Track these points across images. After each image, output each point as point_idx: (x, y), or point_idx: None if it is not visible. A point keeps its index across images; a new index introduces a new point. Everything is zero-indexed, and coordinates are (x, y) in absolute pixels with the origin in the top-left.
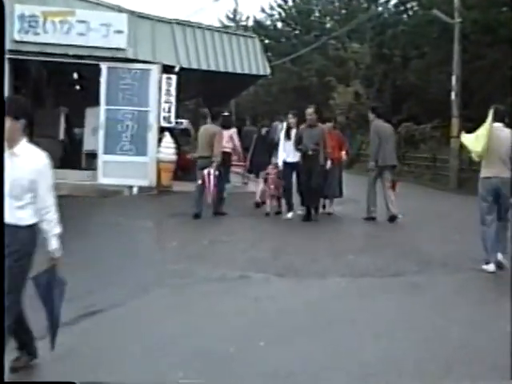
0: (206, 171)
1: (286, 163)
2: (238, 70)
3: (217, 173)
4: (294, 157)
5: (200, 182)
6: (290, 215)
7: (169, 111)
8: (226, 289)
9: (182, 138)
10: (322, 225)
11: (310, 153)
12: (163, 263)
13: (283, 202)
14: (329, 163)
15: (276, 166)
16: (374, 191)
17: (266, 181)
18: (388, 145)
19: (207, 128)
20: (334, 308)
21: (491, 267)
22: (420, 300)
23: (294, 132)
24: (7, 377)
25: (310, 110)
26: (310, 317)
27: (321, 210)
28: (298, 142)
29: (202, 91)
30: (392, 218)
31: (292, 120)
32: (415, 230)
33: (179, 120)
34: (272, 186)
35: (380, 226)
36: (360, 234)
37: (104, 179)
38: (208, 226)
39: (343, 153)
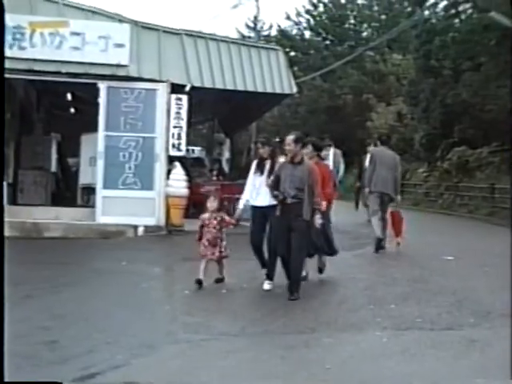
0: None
1: (254, 207)
2: (260, 89)
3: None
4: (265, 199)
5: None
6: (268, 285)
7: (179, 138)
8: (248, 346)
9: (194, 168)
10: (357, 265)
11: (289, 201)
12: (174, 315)
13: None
14: (318, 220)
15: (215, 211)
16: (380, 218)
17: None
18: (383, 172)
19: None
20: (374, 369)
21: None
22: (479, 359)
23: (268, 164)
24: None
25: (289, 139)
26: (347, 380)
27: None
28: (275, 185)
29: (217, 113)
30: (379, 241)
31: (262, 150)
32: (470, 274)
33: (191, 148)
34: (220, 244)
35: (427, 269)
36: (403, 278)
37: (104, 218)
38: (227, 270)
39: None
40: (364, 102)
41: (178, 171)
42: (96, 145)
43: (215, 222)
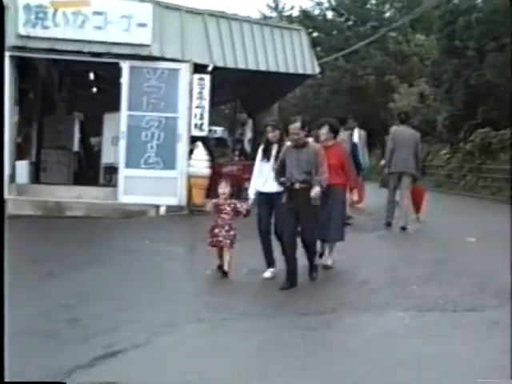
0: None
1: (260, 194)
2: (282, 69)
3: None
4: (272, 185)
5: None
6: (269, 273)
7: (201, 118)
8: (269, 326)
9: (216, 148)
10: (379, 246)
11: (297, 186)
12: (195, 295)
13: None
14: (316, 190)
15: (228, 197)
16: (392, 200)
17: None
18: (403, 152)
19: None
20: (395, 350)
21: None
22: (501, 340)
23: (275, 149)
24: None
25: (294, 126)
26: (368, 360)
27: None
28: (280, 171)
29: (239, 94)
30: (388, 224)
31: (272, 134)
32: (494, 256)
33: (213, 128)
34: (226, 229)
35: (451, 251)
36: (425, 259)
37: (126, 197)
38: (248, 250)
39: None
40: (386, 83)
41: (201, 151)
42: (118, 124)
43: (228, 208)
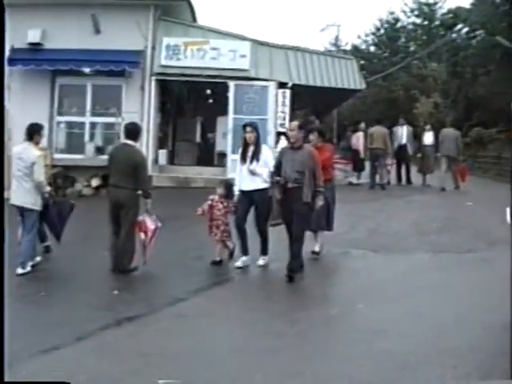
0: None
1: (241, 192)
2: (339, 86)
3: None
4: (250, 184)
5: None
6: (240, 263)
7: (283, 119)
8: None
9: None
10: (407, 208)
11: (290, 185)
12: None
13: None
14: (319, 201)
15: (225, 195)
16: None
17: (211, 217)
18: (446, 143)
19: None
20: (421, 278)
21: None
22: (488, 271)
23: (251, 150)
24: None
25: (292, 124)
26: (403, 286)
27: None
28: (277, 171)
29: (310, 103)
30: (442, 189)
31: (249, 135)
32: (484, 215)
33: None
34: (221, 228)
35: (455, 210)
36: (439, 217)
37: (232, 174)
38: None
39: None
40: (411, 96)
41: (283, 142)
42: (227, 124)
43: (221, 205)
